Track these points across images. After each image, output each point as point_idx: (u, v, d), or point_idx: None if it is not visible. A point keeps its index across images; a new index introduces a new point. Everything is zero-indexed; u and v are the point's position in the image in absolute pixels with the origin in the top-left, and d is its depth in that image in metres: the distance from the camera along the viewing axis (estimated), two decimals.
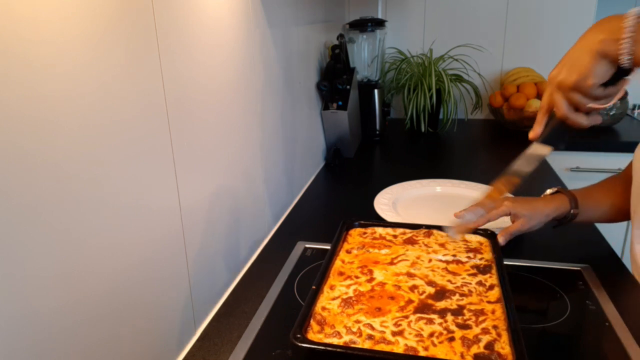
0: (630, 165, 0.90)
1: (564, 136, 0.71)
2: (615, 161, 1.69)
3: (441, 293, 0.70)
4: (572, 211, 0.91)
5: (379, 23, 1.80)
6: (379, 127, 1.82)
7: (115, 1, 0.54)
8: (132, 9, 0.57)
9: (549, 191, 0.96)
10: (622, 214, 0.92)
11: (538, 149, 0.73)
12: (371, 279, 0.74)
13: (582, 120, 0.68)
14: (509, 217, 0.93)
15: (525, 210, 0.90)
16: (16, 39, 0.41)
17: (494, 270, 0.75)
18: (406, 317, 0.65)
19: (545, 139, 0.71)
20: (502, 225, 0.93)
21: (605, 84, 0.65)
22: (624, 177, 0.92)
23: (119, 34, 0.55)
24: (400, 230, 0.89)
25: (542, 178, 1.40)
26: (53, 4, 0.45)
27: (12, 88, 0.41)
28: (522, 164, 0.75)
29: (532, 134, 0.73)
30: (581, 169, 1.74)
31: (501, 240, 0.86)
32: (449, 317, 0.64)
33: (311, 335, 0.61)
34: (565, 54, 0.68)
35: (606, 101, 0.67)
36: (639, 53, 0.60)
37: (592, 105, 0.66)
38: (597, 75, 0.64)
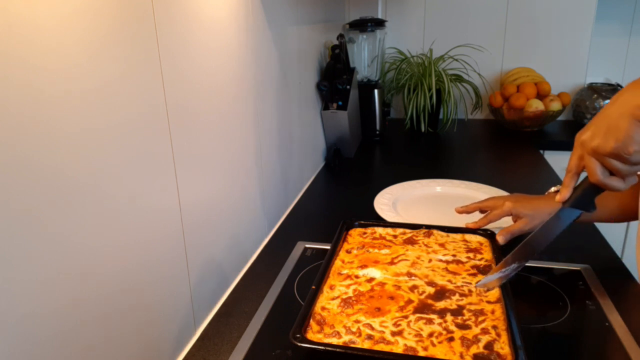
0: None
1: (594, 198, 0.67)
2: None
3: (441, 293, 0.70)
4: None
5: (379, 23, 1.80)
6: (379, 127, 1.82)
7: (115, 3, 0.54)
8: (133, 10, 0.57)
9: (553, 189, 0.95)
10: (629, 214, 0.89)
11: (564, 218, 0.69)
12: (371, 279, 0.74)
13: (620, 185, 0.63)
14: (510, 217, 0.92)
15: (527, 210, 0.89)
16: (15, 41, 0.41)
17: None
18: (406, 317, 0.65)
19: (574, 203, 0.68)
20: (504, 225, 0.92)
21: None
22: None
23: (119, 35, 0.55)
24: (400, 230, 0.89)
25: (543, 177, 1.41)
26: (53, 8, 0.45)
27: (11, 90, 0.41)
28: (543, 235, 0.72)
29: (559, 197, 0.69)
30: None
31: (500, 239, 0.85)
32: (449, 317, 0.64)
33: (311, 335, 0.61)
34: (597, 115, 0.64)
35: None
36: None
37: (633, 169, 0.61)
38: (638, 141, 0.59)
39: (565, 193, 0.68)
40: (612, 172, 0.63)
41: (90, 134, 0.51)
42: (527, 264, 0.87)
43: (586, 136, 0.63)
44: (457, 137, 1.87)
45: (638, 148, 0.59)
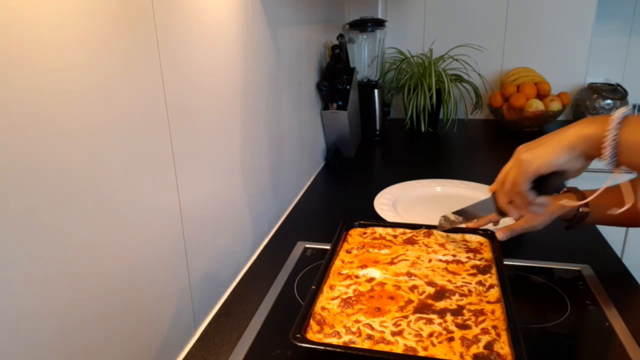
0: None
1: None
2: None
3: (441, 293, 0.70)
4: (580, 210, 0.87)
5: (379, 23, 1.80)
6: (379, 127, 1.82)
7: (116, 3, 0.54)
8: (133, 10, 0.57)
9: None
10: (627, 219, 0.87)
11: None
12: (371, 279, 0.74)
13: (512, 213, 0.73)
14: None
15: None
16: (15, 40, 0.41)
17: (493, 270, 0.75)
18: (406, 317, 0.65)
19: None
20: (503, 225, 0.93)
21: (546, 192, 0.68)
22: None
23: (119, 35, 0.55)
24: (400, 230, 0.89)
25: None
26: (53, 7, 0.45)
27: (11, 90, 0.41)
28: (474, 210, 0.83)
29: (491, 188, 0.77)
30: None
31: (500, 235, 0.85)
32: (449, 317, 0.64)
33: (311, 335, 0.61)
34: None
35: (537, 208, 0.69)
36: (624, 151, 0.57)
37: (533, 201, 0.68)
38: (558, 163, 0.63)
39: (494, 187, 0.76)
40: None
41: (90, 134, 0.51)
42: (527, 264, 0.89)
43: (521, 147, 0.69)
44: (457, 137, 1.87)
45: (558, 167, 0.63)
